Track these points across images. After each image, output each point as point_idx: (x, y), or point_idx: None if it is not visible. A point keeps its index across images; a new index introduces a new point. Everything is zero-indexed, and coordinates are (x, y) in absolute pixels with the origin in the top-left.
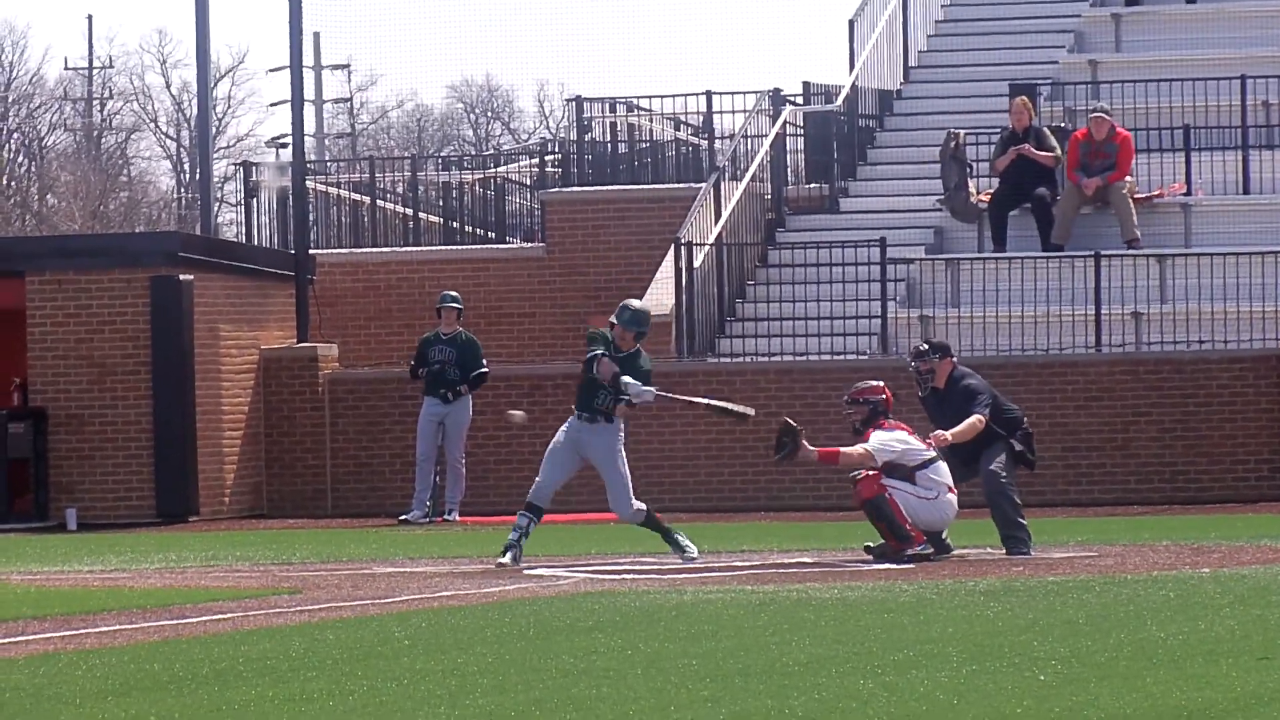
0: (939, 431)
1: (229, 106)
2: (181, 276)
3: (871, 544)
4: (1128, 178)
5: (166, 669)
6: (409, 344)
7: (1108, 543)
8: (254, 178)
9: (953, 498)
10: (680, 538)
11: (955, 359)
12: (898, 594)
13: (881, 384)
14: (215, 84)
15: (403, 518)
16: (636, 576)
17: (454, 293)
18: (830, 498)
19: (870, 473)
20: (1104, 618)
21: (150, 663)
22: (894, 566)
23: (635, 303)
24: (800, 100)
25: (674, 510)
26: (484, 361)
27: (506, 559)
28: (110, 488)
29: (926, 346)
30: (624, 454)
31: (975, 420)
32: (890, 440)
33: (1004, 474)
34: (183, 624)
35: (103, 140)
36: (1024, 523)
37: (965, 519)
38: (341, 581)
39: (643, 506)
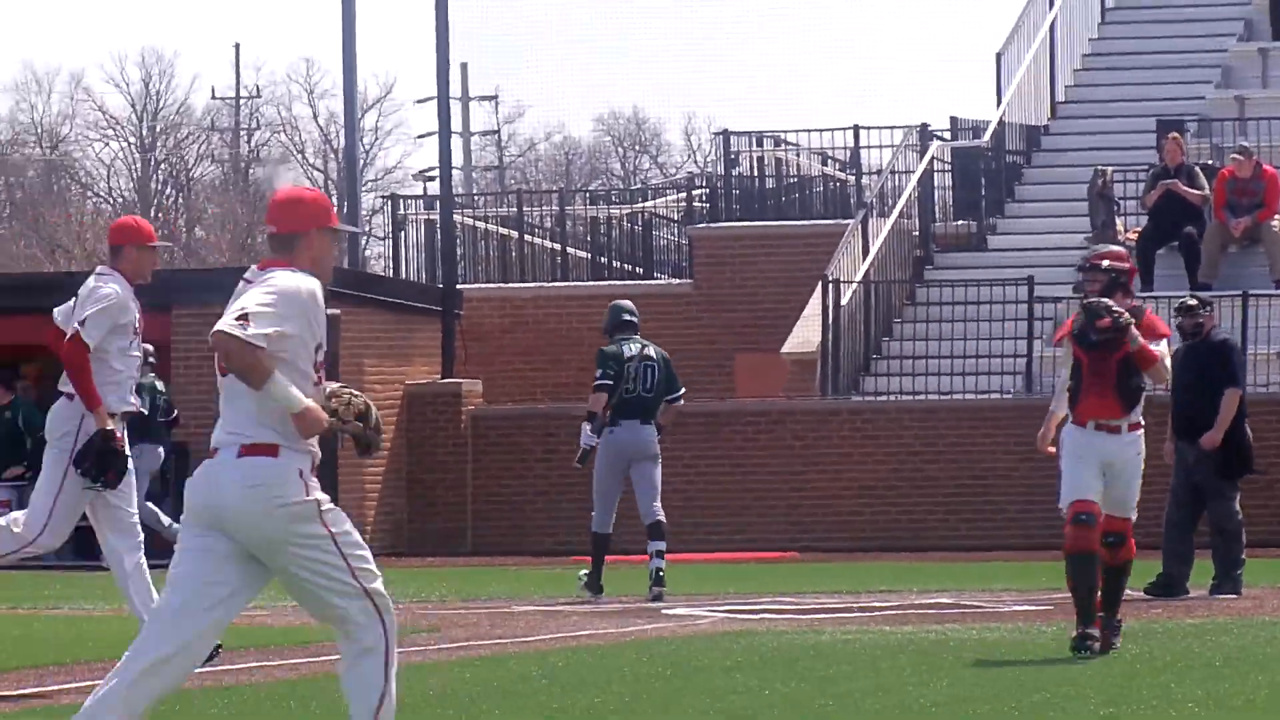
0: (1209, 435)
1: (376, 138)
2: (328, 310)
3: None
4: (1277, 215)
5: (302, 706)
6: (555, 380)
7: (1247, 585)
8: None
9: None
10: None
11: None
12: (1036, 635)
13: (1126, 251)
14: (362, 115)
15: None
16: (774, 616)
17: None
18: (972, 537)
19: None
20: (1242, 659)
21: (286, 700)
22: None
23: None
24: (948, 135)
25: (814, 549)
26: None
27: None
28: None
29: (1196, 301)
30: (599, 470)
31: (1231, 398)
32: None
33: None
34: (318, 661)
35: (250, 171)
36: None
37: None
38: (480, 620)
39: (598, 531)
